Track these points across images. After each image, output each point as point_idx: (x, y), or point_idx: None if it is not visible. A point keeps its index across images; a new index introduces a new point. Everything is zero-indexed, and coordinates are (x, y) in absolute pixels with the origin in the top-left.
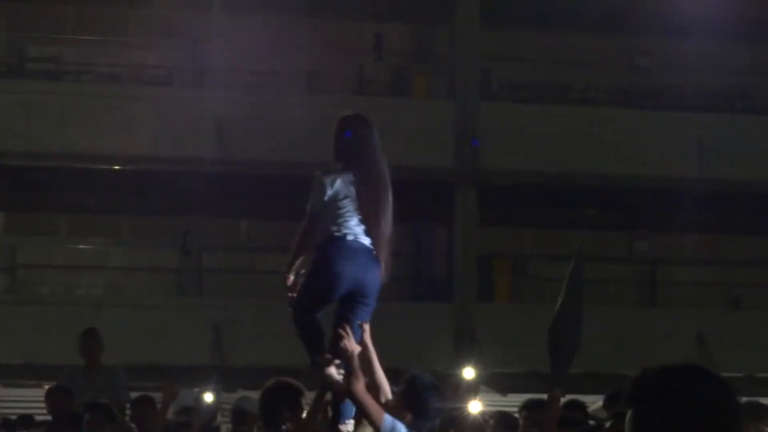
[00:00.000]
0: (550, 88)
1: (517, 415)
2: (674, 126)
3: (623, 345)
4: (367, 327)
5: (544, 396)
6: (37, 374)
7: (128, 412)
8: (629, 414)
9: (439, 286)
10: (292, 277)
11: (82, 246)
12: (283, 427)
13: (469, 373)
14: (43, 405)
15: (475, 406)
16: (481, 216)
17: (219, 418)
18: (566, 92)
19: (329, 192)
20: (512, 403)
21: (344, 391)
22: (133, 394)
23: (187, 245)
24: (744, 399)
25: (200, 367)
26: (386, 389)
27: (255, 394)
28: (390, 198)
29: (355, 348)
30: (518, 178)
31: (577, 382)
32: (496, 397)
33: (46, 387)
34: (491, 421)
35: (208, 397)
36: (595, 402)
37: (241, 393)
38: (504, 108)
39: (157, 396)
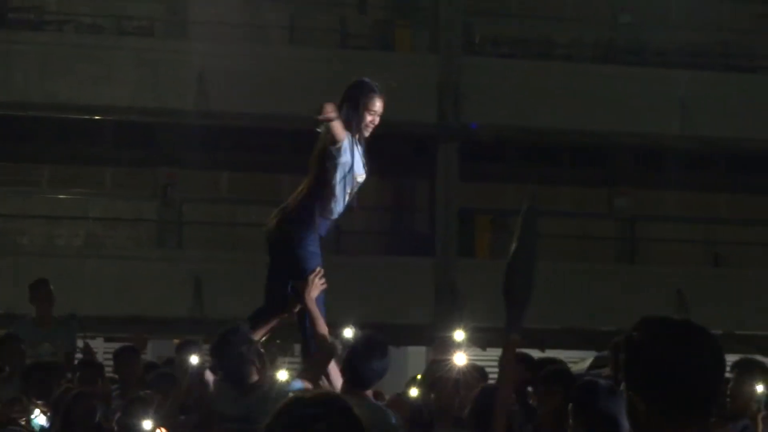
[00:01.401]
0: (533, 43)
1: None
2: (656, 83)
3: (603, 301)
4: None
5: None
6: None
7: (76, 361)
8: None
9: (420, 241)
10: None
11: (62, 196)
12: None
13: (459, 335)
14: None
15: (460, 359)
16: (462, 171)
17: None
18: (549, 48)
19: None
20: (492, 357)
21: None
22: (115, 345)
23: (168, 197)
24: (738, 356)
25: (181, 319)
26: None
27: None
28: None
29: None
30: (500, 134)
31: (557, 337)
32: (477, 352)
33: None
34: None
35: (194, 359)
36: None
37: None
38: (487, 63)
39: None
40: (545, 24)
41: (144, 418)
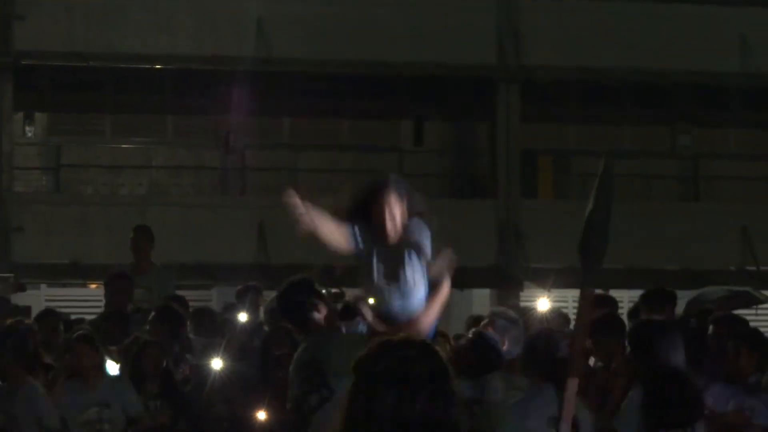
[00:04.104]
0: None
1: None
2: (717, 21)
3: (667, 240)
4: None
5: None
6: (82, 274)
7: None
8: None
9: (482, 182)
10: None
11: (125, 146)
12: (315, 315)
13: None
14: (87, 305)
15: (543, 304)
16: (523, 112)
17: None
18: None
19: None
20: (556, 298)
21: None
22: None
23: (230, 144)
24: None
25: (245, 265)
26: None
27: None
28: None
29: None
30: (561, 75)
31: (620, 277)
32: (540, 293)
33: (92, 285)
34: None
35: (243, 317)
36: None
37: None
38: (547, 3)
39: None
40: None
41: (212, 361)
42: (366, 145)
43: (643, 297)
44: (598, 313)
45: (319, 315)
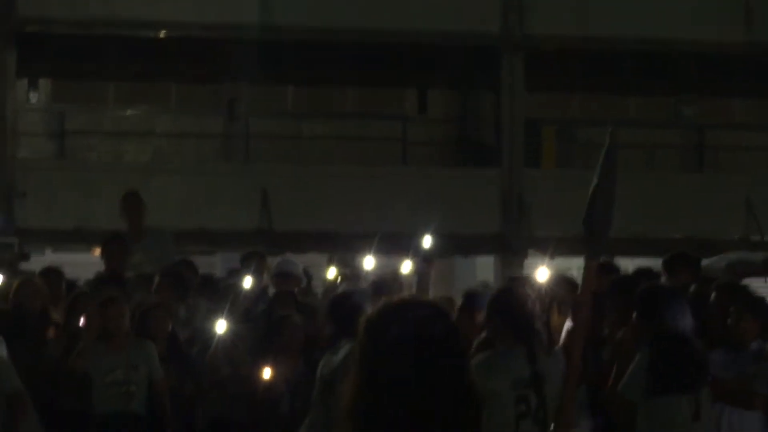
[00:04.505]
0: None
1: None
2: None
3: (671, 210)
4: None
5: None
6: (86, 239)
7: None
8: None
9: (486, 151)
10: None
11: (129, 113)
12: None
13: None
14: (92, 270)
15: (542, 273)
16: (527, 82)
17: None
18: None
19: None
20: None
21: None
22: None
23: (234, 111)
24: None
25: (248, 232)
26: None
27: (301, 258)
28: None
29: None
30: (565, 44)
31: (625, 246)
32: (543, 261)
33: (96, 251)
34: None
35: (247, 282)
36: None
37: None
38: None
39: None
40: None
41: (217, 324)
42: (370, 113)
43: (665, 262)
44: (604, 281)
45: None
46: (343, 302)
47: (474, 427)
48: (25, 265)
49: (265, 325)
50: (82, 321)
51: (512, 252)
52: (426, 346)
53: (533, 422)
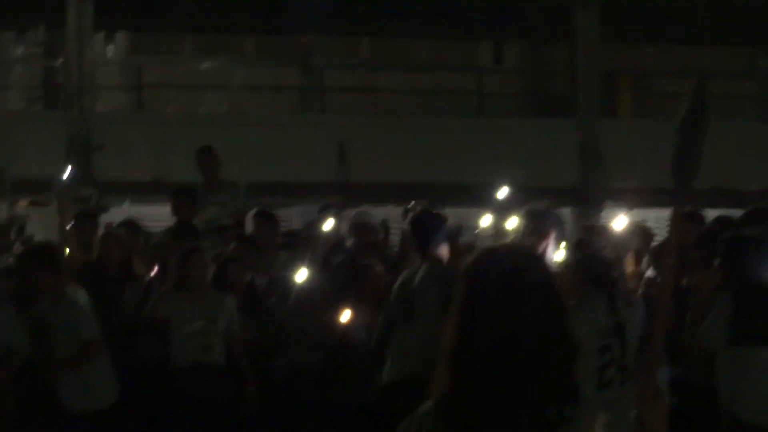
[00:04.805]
0: None
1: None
2: None
3: (748, 160)
4: None
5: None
6: (163, 191)
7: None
8: None
9: (562, 102)
10: None
11: (205, 65)
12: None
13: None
14: (170, 222)
15: (620, 222)
16: (602, 34)
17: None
18: None
19: None
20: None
21: None
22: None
23: (310, 64)
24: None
25: (325, 183)
26: None
27: (378, 211)
28: None
29: None
30: None
31: (701, 197)
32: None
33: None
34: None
35: (327, 232)
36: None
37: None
38: None
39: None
40: None
41: (296, 274)
42: (445, 65)
43: (743, 215)
44: (690, 230)
45: (443, 251)
46: (423, 223)
47: (570, 371)
48: (105, 215)
49: (346, 274)
50: (155, 271)
51: (588, 203)
52: (521, 291)
53: (616, 370)
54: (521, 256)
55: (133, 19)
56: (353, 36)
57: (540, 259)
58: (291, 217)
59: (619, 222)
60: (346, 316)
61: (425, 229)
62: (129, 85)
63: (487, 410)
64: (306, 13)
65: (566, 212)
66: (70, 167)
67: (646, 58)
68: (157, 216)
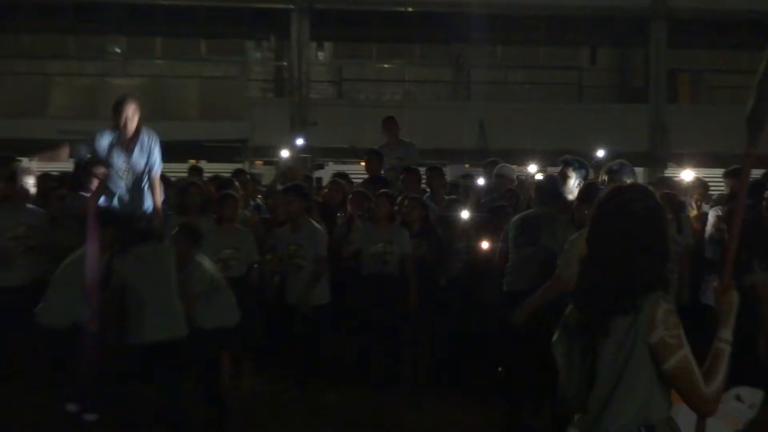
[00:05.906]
0: None
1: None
2: None
3: None
4: None
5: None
6: (356, 154)
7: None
8: None
9: (639, 92)
10: None
11: (386, 66)
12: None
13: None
14: (362, 176)
15: (687, 174)
16: (669, 41)
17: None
18: None
19: None
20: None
21: None
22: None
23: (460, 64)
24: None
25: (469, 150)
26: None
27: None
28: None
29: None
30: (699, 14)
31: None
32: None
33: (362, 162)
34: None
35: (480, 182)
36: None
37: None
38: None
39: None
40: None
41: (456, 212)
42: (556, 66)
43: None
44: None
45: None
46: (546, 183)
47: (662, 272)
48: (318, 173)
49: (489, 212)
50: (350, 207)
51: (656, 164)
52: (627, 217)
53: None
54: (636, 191)
55: (337, 32)
56: (491, 44)
57: (651, 194)
58: (446, 174)
59: (687, 174)
60: (485, 244)
61: (548, 189)
62: (333, 80)
63: (602, 297)
64: (458, 28)
65: (640, 171)
66: (300, 138)
67: (699, 59)
68: (353, 172)
